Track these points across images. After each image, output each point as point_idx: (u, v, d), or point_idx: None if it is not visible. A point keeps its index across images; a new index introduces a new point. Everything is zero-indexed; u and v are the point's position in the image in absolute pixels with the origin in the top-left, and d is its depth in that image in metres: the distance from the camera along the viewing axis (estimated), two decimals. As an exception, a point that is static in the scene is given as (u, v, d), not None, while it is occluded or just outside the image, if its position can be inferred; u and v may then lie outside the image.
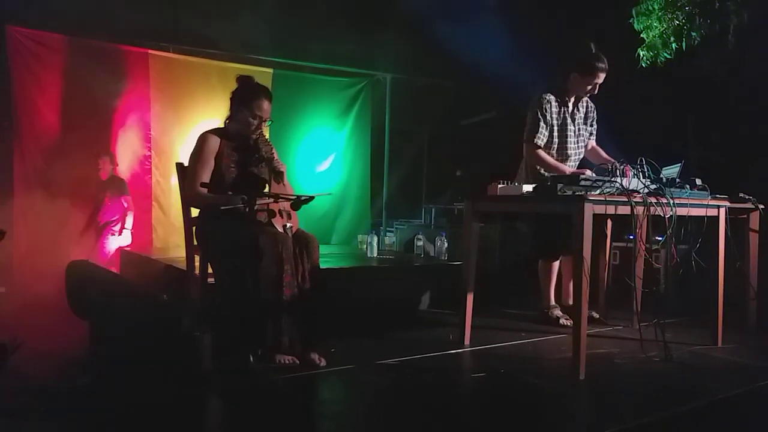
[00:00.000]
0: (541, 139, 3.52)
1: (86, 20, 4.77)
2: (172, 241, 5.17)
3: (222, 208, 2.67)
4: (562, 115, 3.59)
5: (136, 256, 4.37)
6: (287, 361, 2.62)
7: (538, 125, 3.51)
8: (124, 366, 2.56)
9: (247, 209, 2.68)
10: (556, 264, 3.73)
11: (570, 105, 3.61)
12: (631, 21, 4.19)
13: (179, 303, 2.94)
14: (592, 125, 3.74)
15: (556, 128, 3.57)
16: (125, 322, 2.69)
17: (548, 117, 3.53)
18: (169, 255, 4.20)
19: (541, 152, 3.53)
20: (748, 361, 2.96)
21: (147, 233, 5.18)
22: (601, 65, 3.41)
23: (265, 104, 2.89)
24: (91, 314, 2.93)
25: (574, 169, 3.53)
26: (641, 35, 4.16)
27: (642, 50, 4.19)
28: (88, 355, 2.82)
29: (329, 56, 5.95)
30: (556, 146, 3.58)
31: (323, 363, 2.66)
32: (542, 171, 3.51)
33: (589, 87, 3.49)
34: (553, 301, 3.74)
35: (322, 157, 6.13)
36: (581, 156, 3.72)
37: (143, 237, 5.13)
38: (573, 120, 3.63)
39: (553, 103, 3.54)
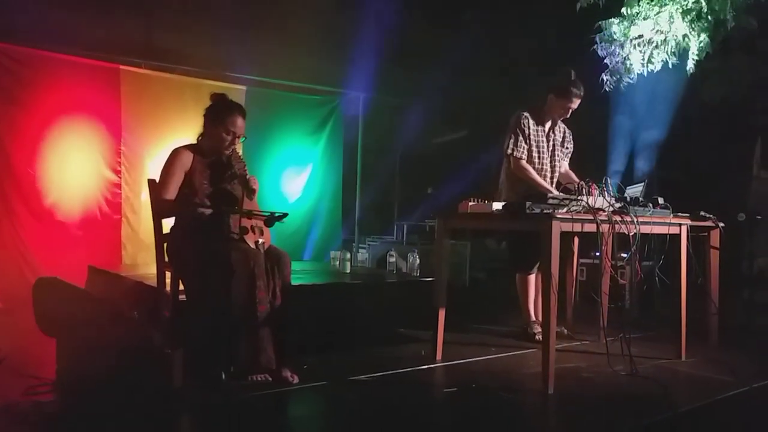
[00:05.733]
0: (521, 151, 3.64)
1: (56, 34, 4.72)
2: (141, 258, 5.09)
3: (198, 213, 2.68)
4: (538, 134, 3.72)
5: (104, 273, 4.29)
6: (259, 378, 2.62)
7: (517, 139, 3.64)
8: (94, 384, 2.52)
9: (217, 220, 2.69)
10: (532, 277, 3.80)
11: (546, 126, 3.75)
12: (594, 47, 4.35)
13: (150, 320, 2.91)
14: (567, 148, 3.86)
15: (533, 145, 3.69)
16: (94, 340, 2.65)
17: (526, 132, 3.65)
18: (139, 272, 4.14)
19: (526, 164, 3.65)
20: (710, 375, 3.05)
21: (116, 250, 5.09)
22: (577, 91, 3.58)
23: (239, 121, 2.90)
24: (59, 331, 2.87)
25: (552, 188, 3.64)
26: (605, 61, 4.32)
27: (606, 75, 4.34)
28: (55, 373, 2.76)
29: (303, 74, 5.99)
30: (533, 163, 3.70)
31: (296, 380, 2.65)
32: (530, 183, 3.59)
33: (563, 110, 3.64)
34: (533, 316, 3.79)
35: (295, 174, 6.14)
36: (556, 177, 3.83)
37: (112, 254, 5.04)
38: (548, 140, 3.76)
39: (531, 121, 3.68)
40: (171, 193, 2.81)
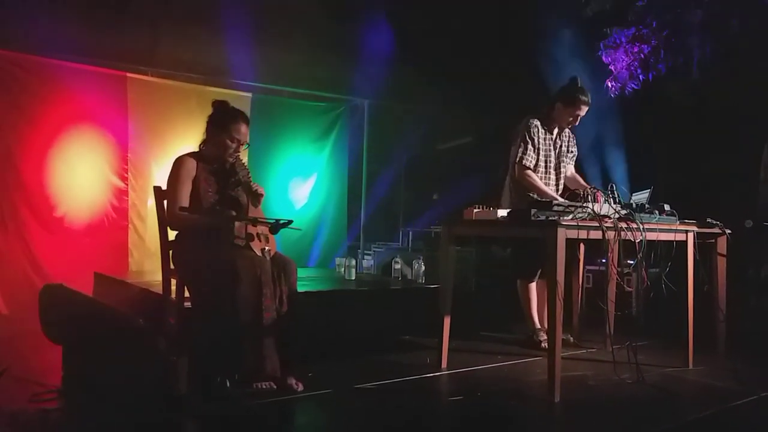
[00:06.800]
0: (530, 160, 3.62)
1: (63, 43, 4.76)
2: (147, 265, 5.11)
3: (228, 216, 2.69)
4: (546, 143, 3.71)
5: (110, 279, 4.31)
6: (264, 386, 2.61)
7: (527, 147, 3.62)
8: (99, 391, 2.52)
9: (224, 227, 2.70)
10: (534, 285, 3.79)
11: (554, 133, 3.74)
12: (599, 54, 4.35)
13: (155, 327, 2.91)
14: (571, 152, 3.86)
15: (541, 153, 3.68)
16: (100, 347, 2.66)
17: (536, 140, 3.64)
18: (145, 279, 4.15)
19: (532, 173, 3.63)
20: (718, 383, 3.03)
21: (123, 257, 5.11)
22: (584, 98, 3.57)
23: (243, 127, 2.91)
24: (65, 338, 2.88)
25: (557, 195, 3.62)
26: (609, 67, 4.32)
27: (610, 81, 4.34)
28: (61, 379, 2.77)
29: (308, 81, 6.01)
30: (540, 171, 3.69)
31: (301, 388, 2.65)
32: (531, 194, 3.59)
33: (571, 118, 3.64)
34: (537, 324, 3.78)
35: (300, 181, 6.15)
36: (562, 184, 3.82)
37: (119, 261, 5.05)
38: (555, 148, 3.75)
39: (540, 129, 3.66)
40: (184, 201, 2.81)
